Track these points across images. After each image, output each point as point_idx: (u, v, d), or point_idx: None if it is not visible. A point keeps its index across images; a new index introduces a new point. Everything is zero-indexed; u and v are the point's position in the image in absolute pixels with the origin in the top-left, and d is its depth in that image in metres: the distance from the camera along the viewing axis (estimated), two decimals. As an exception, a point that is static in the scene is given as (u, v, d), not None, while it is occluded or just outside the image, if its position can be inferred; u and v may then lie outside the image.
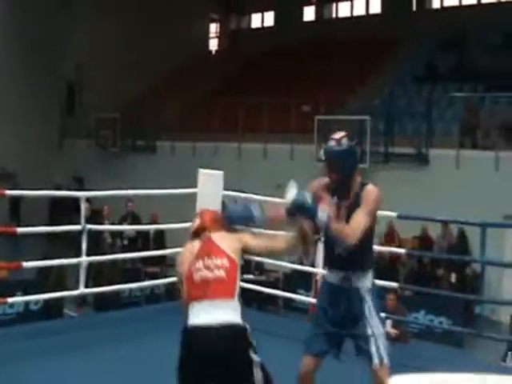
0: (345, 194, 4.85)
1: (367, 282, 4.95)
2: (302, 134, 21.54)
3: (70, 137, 30.07)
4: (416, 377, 1.13)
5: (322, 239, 5.02)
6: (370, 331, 4.84)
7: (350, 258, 4.75)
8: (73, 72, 30.44)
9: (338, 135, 4.81)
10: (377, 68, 26.05)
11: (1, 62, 27.99)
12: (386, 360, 4.80)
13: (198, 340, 4.04)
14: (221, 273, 4.14)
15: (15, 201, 26.29)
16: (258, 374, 4.06)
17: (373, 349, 4.80)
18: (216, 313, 4.03)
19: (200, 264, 4.20)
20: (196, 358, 4.02)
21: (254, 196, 8.89)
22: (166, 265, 15.83)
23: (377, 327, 4.88)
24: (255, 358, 4.06)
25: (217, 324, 4.00)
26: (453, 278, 16.31)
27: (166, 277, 12.50)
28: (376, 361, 4.78)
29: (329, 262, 5.04)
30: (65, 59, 29.91)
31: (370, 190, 4.89)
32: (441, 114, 21.24)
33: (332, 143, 4.77)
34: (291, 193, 4.55)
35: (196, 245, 4.37)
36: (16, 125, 27.60)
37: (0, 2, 28.21)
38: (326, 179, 4.92)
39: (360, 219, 4.66)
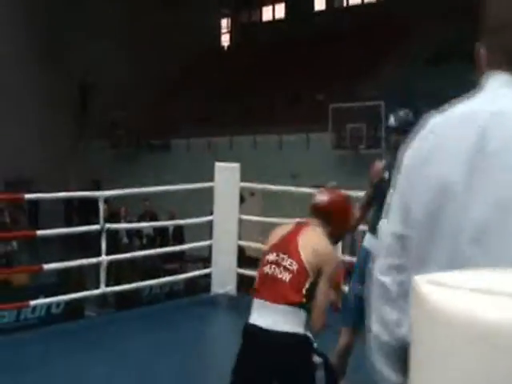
0: None
1: None
2: (317, 123, 21.50)
3: (84, 139, 30.18)
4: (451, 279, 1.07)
5: None
6: None
7: None
8: (85, 74, 30.49)
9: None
10: (389, 52, 25.88)
11: (13, 66, 28.08)
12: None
13: (250, 343, 3.86)
14: (287, 277, 3.80)
15: (33, 207, 26.42)
16: (319, 375, 3.81)
17: None
18: (276, 317, 3.75)
19: (273, 257, 3.89)
20: (254, 358, 3.82)
21: (271, 186, 8.91)
22: (184, 261, 15.85)
23: None
24: (317, 360, 3.80)
25: (272, 329, 3.74)
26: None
27: (184, 273, 12.54)
28: None
29: None
30: (77, 61, 29.97)
31: None
32: (456, 95, 21.04)
33: (397, 112, 5.02)
34: None
35: (285, 228, 4.07)
36: (30, 130, 27.74)
37: (12, 5, 28.29)
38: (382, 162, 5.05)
39: None
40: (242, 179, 8.99)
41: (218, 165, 8.93)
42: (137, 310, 10.09)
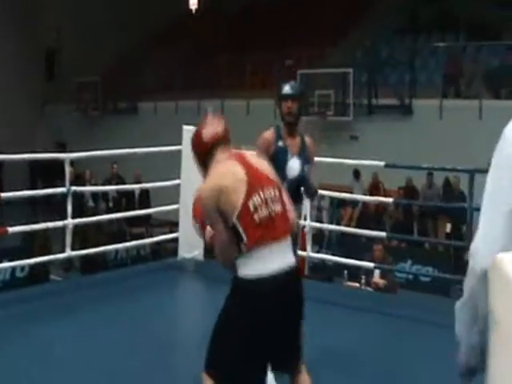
0: (294, 135, 5.25)
1: None
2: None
3: (51, 103, 29.87)
4: None
5: None
6: None
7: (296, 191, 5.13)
8: (52, 37, 30.11)
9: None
10: (358, 20, 25.81)
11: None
12: None
13: (273, 289, 3.64)
14: (279, 207, 3.72)
15: (-1, 168, 26.22)
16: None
17: None
18: (284, 255, 3.69)
19: (258, 199, 3.64)
20: (268, 309, 3.64)
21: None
22: (151, 225, 15.82)
23: None
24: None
25: (289, 266, 3.69)
26: (448, 228, 16.33)
27: (151, 237, 12.48)
28: None
29: None
30: (43, 24, 29.61)
31: (311, 141, 5.42)
32: (423, 64, 21.12)
33: (290, 82, 5.28)
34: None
35: (238, 169, 3.72)
36: (-4, 92, 27.40)
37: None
38: (272, 130, 5.24)
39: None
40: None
41: (186, 128, 8.83)
42: (102, 275, 10.04)
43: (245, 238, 3.61)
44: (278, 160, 4.92)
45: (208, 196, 3.69)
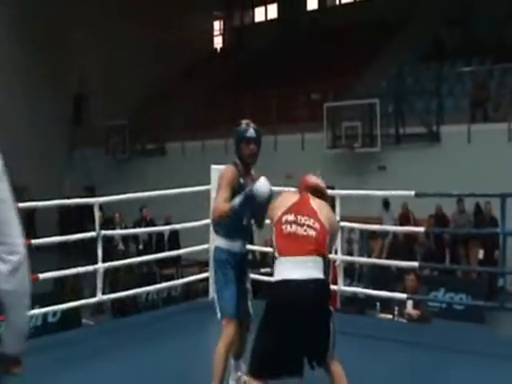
0: (250, 174, 5.54)
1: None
2: (312, 122, 21.43)
3: (79, 147, 30.12)
4: None
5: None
6: (250, 287, 5.61)
7: (249, 228, 5.62)
8: (79, 82, 30.43)
9: (247, 120, 5.67)
10: (382, 50, 25.85)
11: (8, 74, 28.03)
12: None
13: (291, 293, 4.48)
14: (312, 233, 4.54)
15: (29, 215, 26.33)
16: (332, 323, 4.58)
17: (249, 303, 5.54)
18: (307, 269, 4.48)
19: (291, 217, 4.63)
20: (288, 309, 4.45)
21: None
22: (181, 265, 15.77)
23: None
24: (331, 309, 4.62)
25: (310, 277, 4.45)
26: (480, 254, 16.15)
27: (181, 278, 12.42)
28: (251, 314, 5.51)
29: (236, 233, 5.51)
30: (71, 69, 29.96)
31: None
32: (450, 90, 21.03)
33: (251, 125, 5.57)
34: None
35: (292, 197, 4.86)
36: (26, 138, 27.70)
37: (6, 14, 28.21)
38: (233, 166, 5.49)
39: None
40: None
41: (214, 167, 8.80)
42: (134, 318, 10.00)
43: (276, 245, 4.62)
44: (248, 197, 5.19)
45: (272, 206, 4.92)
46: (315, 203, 4.76)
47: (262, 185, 5.07)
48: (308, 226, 4.55)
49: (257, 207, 5.19)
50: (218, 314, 5.38)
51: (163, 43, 30.94)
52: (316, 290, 4.48)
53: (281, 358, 4.47)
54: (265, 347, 4.48)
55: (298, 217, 4.58)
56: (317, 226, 4.56)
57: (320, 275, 4.50)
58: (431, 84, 20.70)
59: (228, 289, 5.38)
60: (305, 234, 4.53)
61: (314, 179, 5.10)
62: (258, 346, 4.52)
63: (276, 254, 4.62)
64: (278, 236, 4.61)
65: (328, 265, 4.68)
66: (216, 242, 5.62)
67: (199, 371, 5.35)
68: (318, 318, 4.50)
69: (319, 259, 4.52)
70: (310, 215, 4.62)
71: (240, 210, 5.24)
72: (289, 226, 4.58)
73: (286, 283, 4.50)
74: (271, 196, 5.11)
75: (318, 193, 4.98)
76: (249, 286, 5.60)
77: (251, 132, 5.53)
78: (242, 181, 5.39)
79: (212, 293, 8.94)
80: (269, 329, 4.51)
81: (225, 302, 5.35)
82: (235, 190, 5.30)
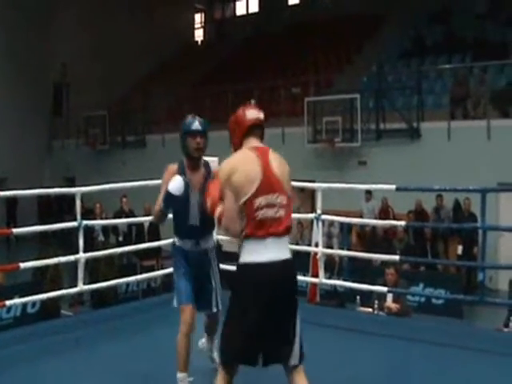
0: (198, 169, 5.58)
1: (212, 243, 5.77)
2: (293, 116, 21.46)
3: (59, 138, 29.97)
4: None
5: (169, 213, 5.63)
6: (213, 284, 5.65)
7: (201, 228, 5.54)
8: (59, 72, 30.28)
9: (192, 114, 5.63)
10: (363, 45, 25.96)
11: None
12: (220, 307, 5.61)
13: (268, 275, 4.32)
14: (283, 212, 4.39)
15: (10, 205, 26.27)
16: (298, 320, 4.46)
17: (213, 298, 5.61)
18: (279, 249, 4.35)
19: (264, 201, 4.34)
20: (263, 291, 4.30)
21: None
22: (161, 257, 15.72)
23: (218, 281, 5.70)
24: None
25: (281, 260, 4.34)
26: (459, 250, 16.28)
27: (162, 269, 12.41)
28: (214, 309, 5.62)
29: (183, 233, 5.61)
30: (50, 60, 29.80)
31: (217, 165, 5.71)
32: (430, 86, 21.11)
33: (197, 118, 5.54)
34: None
35: (251, 165, 4.39)
36: (4, 129, 27.50)
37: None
38: (174, 166, 5.58)
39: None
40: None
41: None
42: (114, 309, 9.99)
43: (246, 226, 4.33)
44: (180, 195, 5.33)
45: (224, 173, 4.38)
46: (276, 167, 4.43)
47: (174, 183, 5.25)
48: (279, 206, 4.36)
49: (178, 202, 5.33)
50: (174, 303, 5.54)
51: (144, 35, 30.88)
52: (286, 271, 4.42)
53: (248, 343, 4.35)
54: (232, 333, 4.36)
55: (269, 197, 4.33)
56: (285, 202, 4.40)
57: (289, 255, 4.43)
58: (412, 80, 20.76)
59: (180, 281, 5.54)
60: (276, 216, 4.35)
61: (255, 112, 4.70)
62: (225, 333, 4.43)
63: (243, 235, 4.37)
64: (248, 220, 4.32)
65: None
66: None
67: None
68: (289, 300, 4.43)
69: (286, 238, 4.43)
70: (278, 191, 4.37)
71: (166, 210, 5.45)
72: (261, 212, 4.32)
73: (255, 266, 4.33)
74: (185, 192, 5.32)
75: (261, 128, 4.67)
76: (213, 282, 5.66)
77: (196, 125, 5.49)
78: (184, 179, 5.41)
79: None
80: (234, 315, 4.39)
81: (178, 292, 5.52)
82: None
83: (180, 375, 5.32)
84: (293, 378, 4.40)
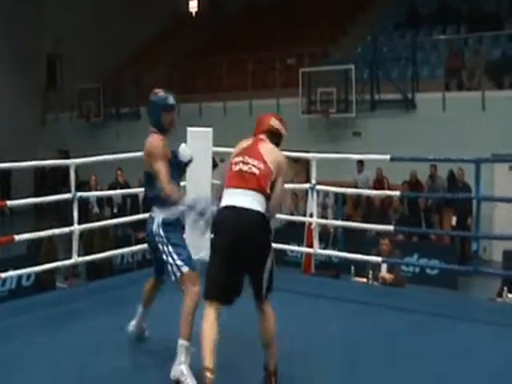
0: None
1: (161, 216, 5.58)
2: (287, 87, 21.41)
3: (53, 111, 29.85)
4: None
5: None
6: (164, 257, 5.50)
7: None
8: (52, 45, 30.12)
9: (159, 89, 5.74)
10: (358, 16, 25.80)
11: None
12: (184, 268, 5.40)
13: (229, 215, 4.93)
14: (255, 170, 4.97)
15: (5, 178, 26.21)
16: (269, 259, 4.95)
17: (169, 268, 5.45)
18: (245, 199, 4.90)
19: (240, 158, 5.07)
20: (226, 229, 4.90)
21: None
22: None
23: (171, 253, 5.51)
24: (271, 250, 4.99)
25: (245, 206, 4.89)
26: (453, 221, 16.32)
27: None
28: (173, 277, 5.44)
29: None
30: (44, 33, 29.62)
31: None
32: (425, 57, 21.05)
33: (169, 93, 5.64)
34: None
35: (245, 143, 5.23)
36: (-3, 103, 27.40)
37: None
38: (160, 136, 5.55)
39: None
40: (213, 146, 8.91)
41: (190, 130, 8.81)
42: (109, 280, 9.99)
43: (225, 181, 5.10)
44: (176, 163, 5.59)
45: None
46: (264, 148, 5.13)
47: (183, 149, 5.65)
48: (253, 165, 4.99)
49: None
50: (184, 269, 5.42)
51: (138, 6, 30.66)
52: (251, 216, 4.89)
53: (223, 281, 4.89)
54: (211, 272, 4.94)
55: (245, 157, 5.04)
56: (261, 166, 4.98)
57: (258, 208, 4.91)
58: (406, 51, 20.71)
59: (182, 247, 5.58)
60: (249, 171, 4.97)
61: (272, 120, 5.33)
62: (207, 271, 4.97)
63: (224, 188, 5.08)
64: (228, 175, 5.09)
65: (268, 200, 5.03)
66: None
67: (174, 333, 5.39)
68: (253, 243, 4.88)
69: (259, 195, 4.93)
70: (256, 157, 5.03)
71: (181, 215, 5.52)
72: (236, 166, 5.04)
73: (225, 208, 4.97)
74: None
75: (275, 135, 5.28)
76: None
77: (172, 100, 5.56)
78: (169, 153, 5.51)
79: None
80: (213, 253, 4.97)
81: (185, 258, 5.49)
82: (170, 161, 5.50)
83: (184, 343, 5.19)
84: (262, 309, 4.99)
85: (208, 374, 4.70)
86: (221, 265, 4.88)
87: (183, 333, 5.19)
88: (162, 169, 5.37)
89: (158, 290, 5.97)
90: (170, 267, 5.42)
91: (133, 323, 6.04)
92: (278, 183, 5.05)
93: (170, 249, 5.44)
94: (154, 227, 5.53)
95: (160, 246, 5.48)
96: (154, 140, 5.50)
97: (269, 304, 5.00)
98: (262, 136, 5.23)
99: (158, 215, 5.53)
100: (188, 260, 5.43)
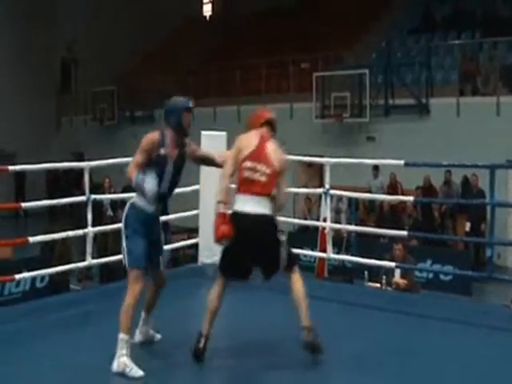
0: (184, 142, 5.83)
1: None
2: (301, 92, 21.41)
3: (67, 114, 29.95)
4: None
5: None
6: (162, 245, 6.07)
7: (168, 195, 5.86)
8: (67, 49, 30.23)
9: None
10: (373, 22, 25.76)
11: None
12: (130, 265, 5.59)
13: (242, 221, 5.52)
14: (264, 179, 5.58)
15: (19, 180, 26.32)
16: (283, 250, 5.64)
17: (162, 257, 5.95)
18: (258, 205, 5.56)
19: (250, 164, 5.61)
20: (240, 232, 5.47)
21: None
22: (169, 232, 15.72)
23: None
24: (282, 238, 5.67)
25: (255, 213, 5.55)
26: (467, 227, 16.25)
27: (170, 244, 12.41)
28: (162, 266, 5.94)
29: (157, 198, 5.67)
30: (58, 36, 29.72)
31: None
32: (440, 62, 21.00)
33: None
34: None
35: (253, 139, 5.74)
36: (13, 106, 27.53)
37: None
38: (157, 134, 5.71)
39: None
40: (227, 150, 8.90)
41: (204, 133, 8.81)
42: (122, 283, 9.98)
43: (238, 183, 5.68)
44: (158, 167, 5.63)
45: (237, 141, 5.82)
46: (270, 149, 5.69)
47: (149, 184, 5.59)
48: (262, 172, 5.59)
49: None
50: (126, 262, 5.68)
51: (153, 9, 30.71)
52: (261, 219, 5.58)
53: (236, 264, 5.65)
54: (226, 255, 5.67)
55: (255, 164, 5.61)
56: (269, 171, 5.60)
57: (266, 211, 5.60)
58: (421, 56, 20.69)
59: (135, 241, 5.68)
60: (259, 178, 5.59)
61: (269, 113, 6.03)
62: (222, 254, 5.71)
63: (237, 191, 5.68)
64: (239, 178, 5.67)
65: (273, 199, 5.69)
66: None
67: (187, 337, 5.40)
68: (265, 238, 5.61)
69: (267, 199, 5.60)
70: (265, 162, 5.62)
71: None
72: (247, 172, 5.62)
73: (239, 213, 5.58)
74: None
75: (273, 126, 5.91)
76: (161, 243, 6.09)
77: (190, 102, 5.85)
78: (162, 152, 5.64)
79: (200, 258, 9.03)
80: (230, 245, 5.58)
81: (131, 253, 5.66)
82: (152, 158, 5.62)
83: (125, 336, 5.47)
84: (290, 278, 5.68)
85: (202, 340, 5.47)
86: (239, 252, 5.56)
87: (123, 327, 5.48)
88: (134, 157, 5.65)
89: (158, 296, 6.06)
90: (122, 253, 5.71)
91: (137, 332, 6.11)
92: (282, 180, 5.76)
93: (124, 242, 5.66)
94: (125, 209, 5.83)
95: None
96: (149, 134, 5.73)
97: (296, 272, 5.69)
98: (264, 130, 5.83)
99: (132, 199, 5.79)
100: (136, 257, 5.59)
